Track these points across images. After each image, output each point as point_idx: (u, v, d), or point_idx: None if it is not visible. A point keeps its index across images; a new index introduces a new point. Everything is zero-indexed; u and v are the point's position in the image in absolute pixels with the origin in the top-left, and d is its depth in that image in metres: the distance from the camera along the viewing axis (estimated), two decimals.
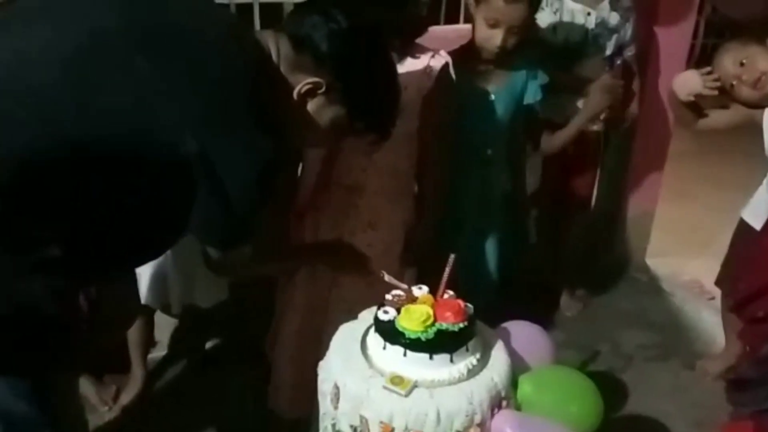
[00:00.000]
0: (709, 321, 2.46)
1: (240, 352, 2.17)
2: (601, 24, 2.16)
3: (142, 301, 1.86)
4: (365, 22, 1.17)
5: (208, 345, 2.27)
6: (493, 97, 1.84)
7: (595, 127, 2.28)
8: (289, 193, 1.66)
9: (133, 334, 2.00)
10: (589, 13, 2.14)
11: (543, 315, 2.32)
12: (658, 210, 2.85)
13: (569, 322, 2.49)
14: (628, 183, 2.75)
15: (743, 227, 2.04)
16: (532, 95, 1.88)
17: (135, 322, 1.74)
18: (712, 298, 2.50)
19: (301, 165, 1.69)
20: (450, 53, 1.66)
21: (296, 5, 1.27)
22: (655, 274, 2.82)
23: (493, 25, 1.72)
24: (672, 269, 2.81)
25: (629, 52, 2.27)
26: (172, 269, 1.90)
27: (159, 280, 1.90)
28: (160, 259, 1.85)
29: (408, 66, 1.59)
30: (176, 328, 2.25)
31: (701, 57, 5.62)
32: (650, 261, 2.87)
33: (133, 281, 1.43)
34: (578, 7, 2.14)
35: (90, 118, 0.93)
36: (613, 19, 2.17)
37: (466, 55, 1.76)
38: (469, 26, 1.85)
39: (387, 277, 1.30)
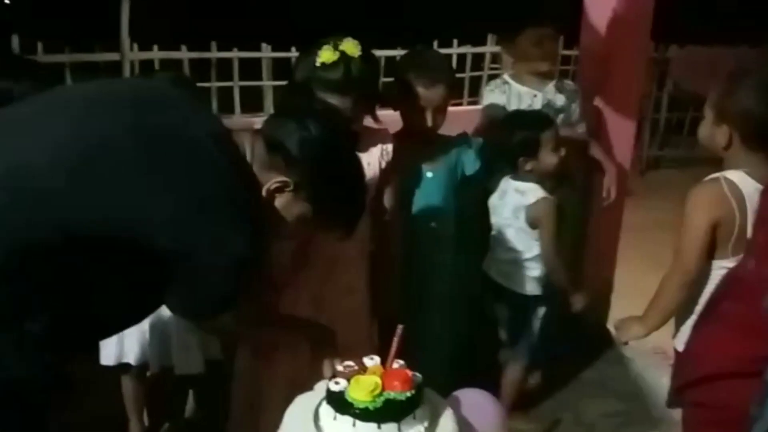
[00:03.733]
0: None
1: None
2: (547, 105, 2.32)
3: (125, 359, 1.99)
4: (335, 132, 1.29)
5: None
6: (430, 174, 1.97)
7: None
8: (264, 272, 1.73)
9: (129, 391, 2.11)
10: (535, 95, 2.31)
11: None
12: (621, 278, 2.94)
13: (532, 391, 2.52)
14: (586, 253, 2.84)
15: None
16: (471, 166, 2.01)
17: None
18: None
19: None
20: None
21: (275, 111, 1.42)
22: (618, 341, 2.87)
23: (419, 110, 1.87)
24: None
25: (580, 129, 2.43)
26: (151, 329, 2.00)
27: (140, 339, 2.00)
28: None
29: (367, 145, 1.72)
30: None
31: (666, 130, 5.92)
32: (614, 329, 2.93)
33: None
34: (524, 89, 2.31)
35: (88, 216, 1.04)
36: (559, 100, 2.33)
37: (401, 138, 1.89)
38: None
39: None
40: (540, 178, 2.12)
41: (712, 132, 1.52)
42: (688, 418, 0.76)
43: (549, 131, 2.07)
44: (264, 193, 1.23)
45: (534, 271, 2.15)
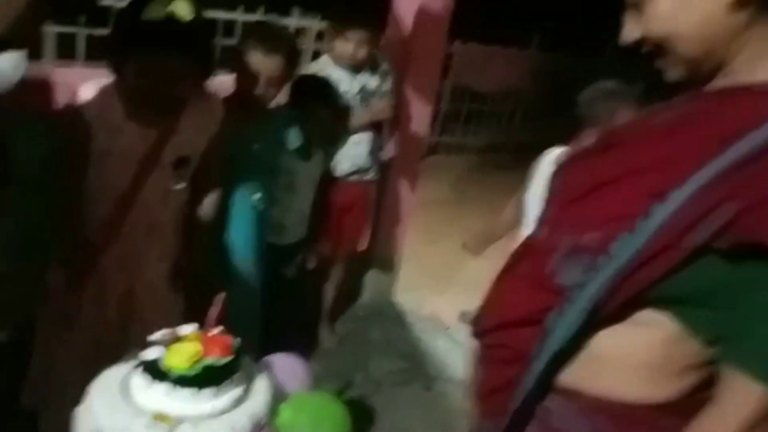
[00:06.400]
0: (443, 347, 2.84)
1: None
2: (363, 89, 2.44)
3: None
4: None
5: None
6: (256, 146, 1.98)
7: (369, 177, 2.56)
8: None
9: None
10: (353, 80, 2.40)
11: (305, 347, 2.47)
12: (407, 251, 3.22)
13: (328, 353, 2.69)
14: (381, 227, 3.06)
15: None
16: (295, 140, 2.07)
17: None
18: (448, 329, 2.90)
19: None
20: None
21: None
22: (401, 308, 3.16)
23: (254, 76, 1.86)
24: (416, 304, 3.19)
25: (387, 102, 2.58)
26: None
27: None
28: None
29: (195, 111, 1.67)
30: None
31: (445, 120, 6.50)
32: (398, 297, 3.22)
33: None
34: (344, 73, 2.40)
35: None
36: (373, 83, 2.46)
37: (231, 104, 1.87)
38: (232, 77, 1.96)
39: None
40: None
41: None
42: (489, 357, 0.93)
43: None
44: None
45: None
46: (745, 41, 0.79)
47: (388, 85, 2.52)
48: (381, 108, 2.45)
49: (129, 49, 1.49)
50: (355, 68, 2.40)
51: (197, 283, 1.74)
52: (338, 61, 2.38)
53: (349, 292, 2.98)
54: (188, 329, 1.29)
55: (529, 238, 0.95)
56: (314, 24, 4.15)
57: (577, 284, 0.81)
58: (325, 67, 2.39)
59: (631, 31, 0.85)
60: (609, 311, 0.82)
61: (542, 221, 0.94)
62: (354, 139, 2.43)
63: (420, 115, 2.89)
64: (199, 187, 1.74)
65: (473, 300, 1.16)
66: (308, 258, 2.41)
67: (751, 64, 0.79)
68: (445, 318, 2.93)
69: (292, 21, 4.53)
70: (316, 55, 4.73)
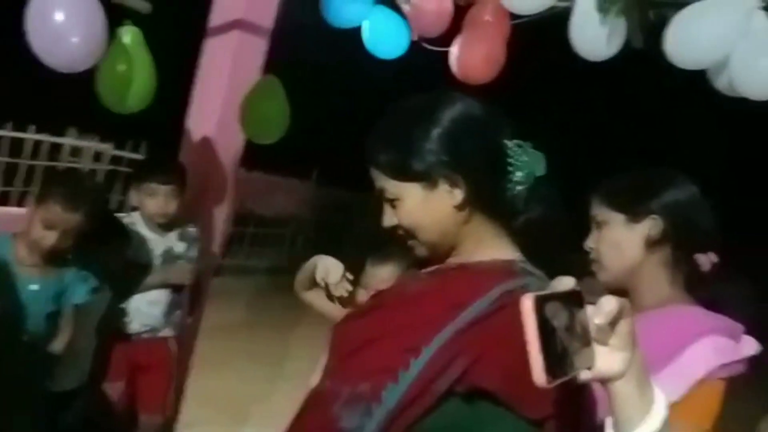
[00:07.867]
0: None
1: None
2: (167, 251, 2.42)
3: None
4: None
5: None
6: (36, 287, 1.90)
7: (163, 334, 2.48)
8: None
9: None
10: (159, 240, 2.40)
11: None
12: (191, 382, 3.07)
13: None
14: None
15: None
16: (81, 296, 2.01)
17: None
18: None
19: None
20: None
21: None
22: None
23: (49, 227, 1.83)
24: None
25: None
26: None
27: None
28: None
29: None
30: None
31: (229, 241, 6.54)
32: None
33: None
34: (152, 235, 2.38)
35: None
36: (179, 247, 2.46)
37: (18, 243, 1.79)
38: (23, 211, 1.91)
39: None
40: None
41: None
42: None
43: None
44: None
45: None
46: (468, 231, 1.04)
47: (194, 252, 2.52)
48: (181, 273, 2.44)
49: None
50: (164, 228, 2.39)
51: None
52: (148, 219, 2.36)
53: None
54: None
55: (316, 388, 1.05)
56: (92, 144, 4.08)
57: (357, 428, 0.93)
58: (135, 224, 2.36)
59: (389, 219, 1.07)
60: None
61: (326, 372, 1.06)
62: (149, 297, 2.39)
63: (210, 241, 2.91)
64: None
65: None
66: (87, 406, 2.23)
67: (473, 248, 1.05)
68: None
69: (69, 140, 4.38)
70: (92, 174, 4.55)
